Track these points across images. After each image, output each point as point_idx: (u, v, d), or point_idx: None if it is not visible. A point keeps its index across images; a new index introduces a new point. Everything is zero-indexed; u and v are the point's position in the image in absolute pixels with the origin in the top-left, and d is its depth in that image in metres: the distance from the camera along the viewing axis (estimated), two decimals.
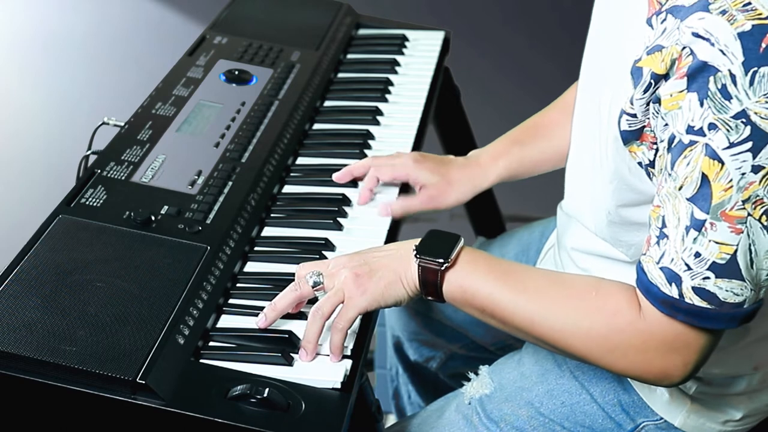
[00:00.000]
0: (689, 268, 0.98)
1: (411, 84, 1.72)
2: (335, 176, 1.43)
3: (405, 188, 1.45)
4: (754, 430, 1.29)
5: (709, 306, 0.99)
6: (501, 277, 1.10)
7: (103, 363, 1.01)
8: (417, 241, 1.13)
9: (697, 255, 0.97)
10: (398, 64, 1.77)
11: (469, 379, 1.34)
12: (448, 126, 1.90)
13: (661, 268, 1.00)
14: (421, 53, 1.82)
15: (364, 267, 1.12)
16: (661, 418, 1.24)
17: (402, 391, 1.82)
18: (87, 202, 1.25)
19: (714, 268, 0.97)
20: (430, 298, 1.13)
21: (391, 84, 1.71)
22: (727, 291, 0.98)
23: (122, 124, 1.45)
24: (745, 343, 1.21)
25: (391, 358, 1.81)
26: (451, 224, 2.74)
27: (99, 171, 1.32)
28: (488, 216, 2.00)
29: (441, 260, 1.10)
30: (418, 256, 1.11)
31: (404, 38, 1.85)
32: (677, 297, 0.99)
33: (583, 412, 1.26)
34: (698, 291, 0.98)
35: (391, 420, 1.89)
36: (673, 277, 0.99)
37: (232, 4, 1.86)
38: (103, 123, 1.50)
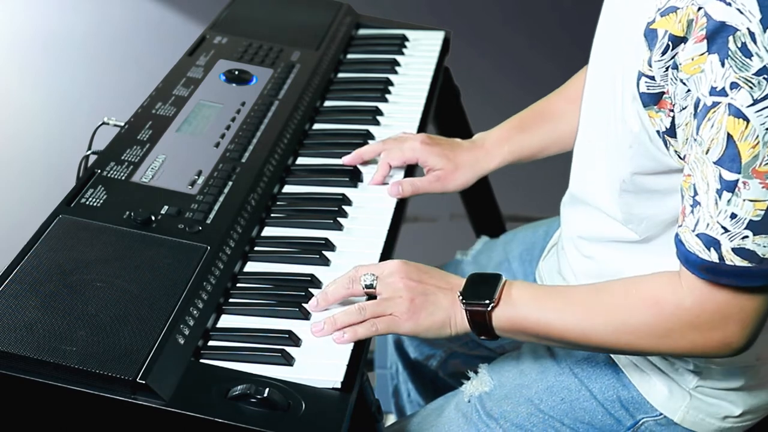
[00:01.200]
0: (726, 231, 0.99)
1: (411, 84, 1.72)
2: (345, 159, 1.46)
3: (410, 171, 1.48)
4: (753, 429, 1.30)
5: (750, 264, 1.00)
6: (545, 301, 1.15)
7: (103, 363, 1.01)
8: (462, 284, 1.17)
9: (734, 216, 0.99)
10: (398, 64, 1.77)
11: (468, 378, 1.35)
12: (448, 126, 1.90)
13: (697, 235, 1.02)
14: (421, 53, 1.82)
15: (421, 296, 1.15)
16: (661, 414, 1.24)
17: (402, 389, 1.82)
18: (87, 202, 1.25)
19: (751, 226, 0.99)
20: (483, 337, 1.17)
21: (391, 84, 1.71)
22: (765, 247, 1.00)
23: (122, 124, 1.45)
24: None
25: (391, 355, 1.81)
26: (451, 224, 2.74)
27: (99, 171, 1.32)
28: (488, 216, 2.00)
29: (486, 301, 1.14)
30: (463, 301, 1.15)
31: (404, 38, 1.85)
32: (717, 261, 1.01)
33: (583, 409, 1.26)
34: (738, 251, 1.00)
35: (391, 420, 1.88)
36: (712, 242, 1.01)
37: (232, 4, 1.86)
38: (103, 123, 1.50)
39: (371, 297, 1.17)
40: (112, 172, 1.32)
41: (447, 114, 1.89)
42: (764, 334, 1.22)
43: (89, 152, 1.45)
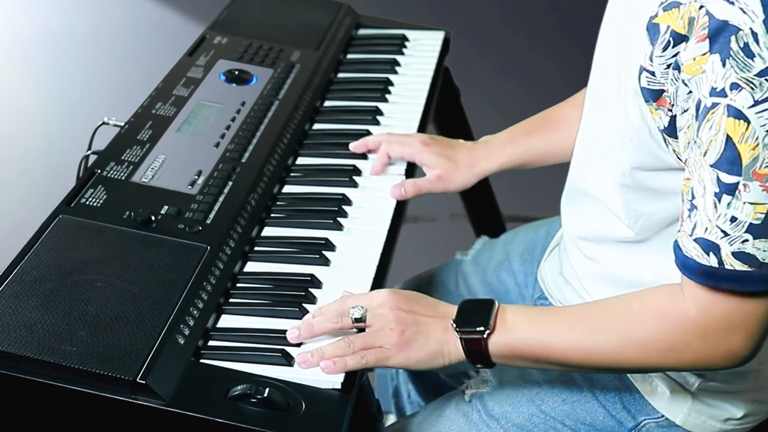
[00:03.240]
0: (726, 234, 0.98)
1: (411, 84, 1.72)
2: (351, 146, 1.48)
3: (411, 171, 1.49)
4: (755, 430, 1.30)
5: (749, 269, 0.99)
6: (543, 324, 1.12)
7: (103, 363, 1.01)
8: (454, 313, 1.13)
9: (734, 219, 0.97)
10: (398, 64, 1.77)
11: (469, 377, 1.34)
12: (448, 126, 1.90)
13: (695, 240, 1.00)
14: (421, 53, 1.82)
15: (411, 328, 1.11)
16: (663, 416, 1.24)
17: (402, 389, 1.82)
18: (87, 202, 1.25)
19: (751, 229, 0.97)
20: (479, 366, 1.14)
21: (391, 84, 1.71)
22: (765, 251, 0.98)
23: (122, 124, 1.45)
24: None
25: None
26: (451, 224, 2.74)
27: (99, 171, 1.32)
28: (488, 216, 2.00)
29: (481, 328, 1.11)
30: (458, 330, 1.11)
31: (404, 38, 1.85)
32: (717, 265, 0.99)
33: (585, 410, 1.26)
34: (738, 255, 0.98)
35: (391, 420, 1.88)
36: (711, 247, 0.99)
37: (232, 4, 1.86)
38: (103, 123, 1.50)
39: (360, 330, 1.14)
40: (112, 172, 1.32)
41: (447, 114, 1.89)
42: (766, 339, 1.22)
43: (89, 152, 1.45)
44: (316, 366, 1.09)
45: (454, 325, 1.12)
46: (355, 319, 1.12)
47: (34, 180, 2.93)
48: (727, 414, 1.24)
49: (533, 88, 3.40)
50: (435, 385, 1.72)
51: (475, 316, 1.12)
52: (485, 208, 1.99)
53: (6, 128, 3.23)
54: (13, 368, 1.02)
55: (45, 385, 1.01)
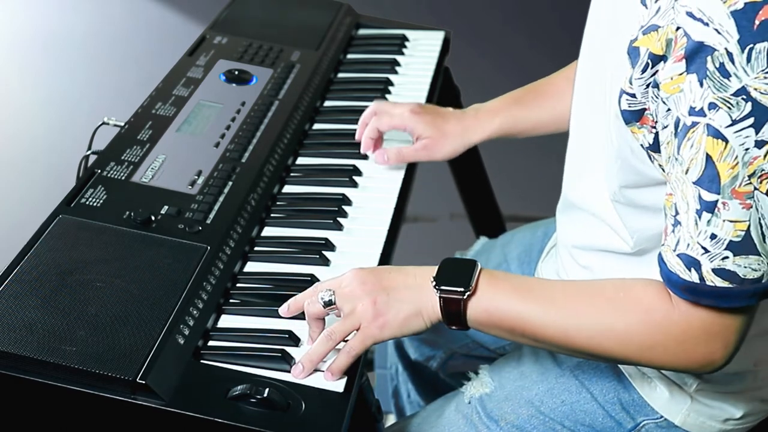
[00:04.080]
0: (707, 251, 0.98)
1: (411, 84, 1.72)
2: (362, 148, 1.48)
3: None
4: (754, 430, 1.30)
5: (730, 285, 0.99)
6: (526, 294, 1.09)
7: (103, 363, 1.01)
8: (434, 270, 1.11)
9: (713, 236, 0.97)
10: (398, 64, 1.77)
11: (469, 379, 1.34)
12: None
13: (678, 255, 1.00)
14: (421, 53, 1.82)
15: (381, 296, 1.09)
16: (662, 417, 1.24)
17: (402, 389, 1.82)
18: (87, 202, 1.25)
19: (731, 246, 0.97)
20: (453, 327, 1.11)
21: (391, 84, 1.71)
22: (745, 267, 0.98)
23: (122, 124, 1.45)
24: (746, 339, 1.21)
25: (392, 356, 1.81)
26: (451, 224, 2.74)
27: (99, 171, 1.32)
28: (488, 216, 2.00)
29: (462, 289, 1.08)
30: (437, 287, 1.09)
31: (404, 38, 1.85)
32: (698, 281, 0.99)
33: (583, 411, 1.26)
34: (719, 272, 0.99)
35: (391, 420, 1.89)
36: (692, 263, 0.99)
37: (232, 4, 1.86)
38: (103, 123, 1.51)
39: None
40: (112, 172, 1.32)
41: None
42: (761, 340, 1.22)
43: (89, 152, 1.45)
44: (310, 371, 1.08)
45: (434, 282, 1.09)
46: (325, 302, 1.10)
47: (34, 180, 2.94)
48: (726, 414, 1.24)
49: None
50: (435, 385, 1.72)
51: (456, 275, 1.09)
52: (485, 208, 1.99)
53: (6, 128, 3.23)
54: (13, 368, 1.02)
55: (45, 385, 1.01)
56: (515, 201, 2.51)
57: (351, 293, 1.10)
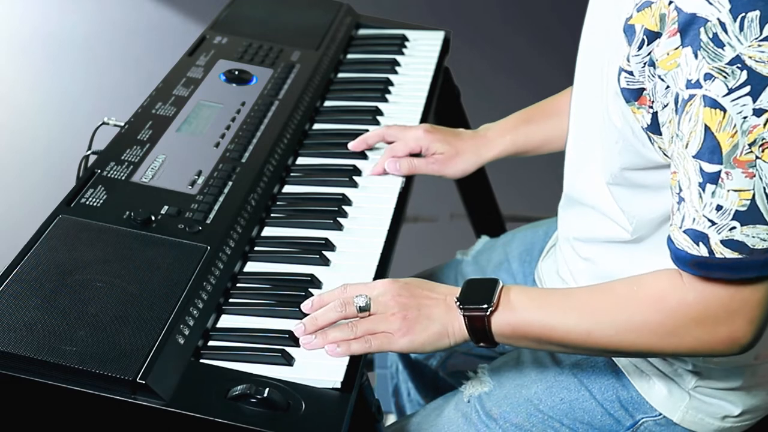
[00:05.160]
0: (713, 223, 0.99)
1: (411, 84, 1.72)
2: (351, 145, 1.48)
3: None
4: (753, 429, 1.30)
5: (740, 256, 0.99)
6: (545, 305, 1.13)
7: (103, 363, 1.01)
8: (459, 290, 1.15)
9: (719, 208, 0.98)
10: (398, 64, 1.77)
11: (468, 378, 1.35)
12: (448, 126, 1.90)
13: (684, 231, 1.01)
14: (421, 53, 1.82)
15: (413, 311, 1.13)
16: (660, 414, 1.24)
17: (402, 388, 1.82)
18: (87, 202, 1.25)
19: (738, 216, 0.98)
20: (482, 345, 1.15)
21: (391, 84, 1.71)
22: (754, 237, 0.99)
23: (122, 124, 1.45)
24: None
25: (392, 355, 1.81)
26: (451, 224, 2.74)
27: (99, 171, 1.32)
28: (488, 216, 2.00)
29: (485, 306, 1.12)
30: (461, 307, 1.13)
31: (404, 38, 1.85)
32: (707, 255, 1.00)
33: (582, 409, 1.26)
34: (727, 243, 0.99)
35: (391, 420, 1.89)
36: (699, 236, 1.00)
37: (232, 4, 1.86)
38: (103, 123, 1.51)
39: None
40: (112, 172, 1.32)
41: (447, 114, 1.89)
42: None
43: (89, 152, 1.45)
44: (320, 347, 1.11)
45: (458, 303, 1.13)
46: (360, 308, 1.13)
47: (34, 180, 2.94)
48: (725, 412, 1.24)
49: (533, 88, 3.39)
50: (435, 383, 1.72)
51: (478, 293, 1.14)
52: (485, 208, 1.99)
53: (6, 128, 3.24)
54: (13, 368, 1.02)
55: (45, 385, 1.01)
56: (515, 201, 2.51)
57: (385, 303, 1.13)
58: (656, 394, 1.24)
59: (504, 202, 2.02)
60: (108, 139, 1.41)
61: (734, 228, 0.98)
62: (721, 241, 0.99)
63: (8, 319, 1.05)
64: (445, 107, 1.87)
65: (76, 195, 1.26)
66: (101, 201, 1.26)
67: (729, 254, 0.99)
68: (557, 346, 1.14)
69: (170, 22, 3.84)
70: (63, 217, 1.22)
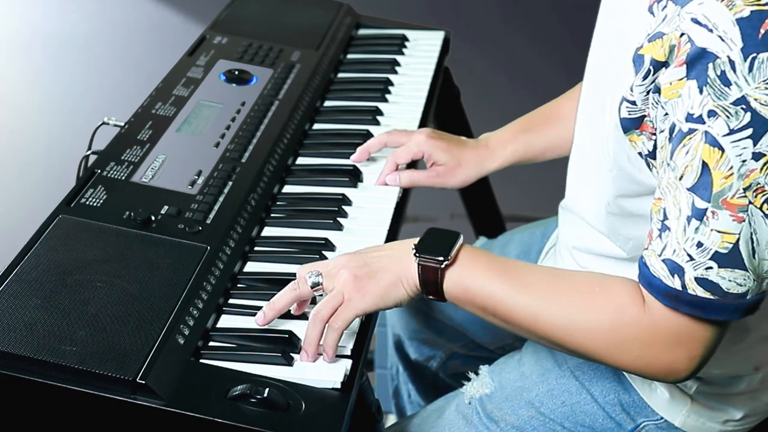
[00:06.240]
0: (691, 259, 0.97)
1: (411, 84, 1.72)
2: (353, 158, 1.46)
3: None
4: (754, 430, 1.30)
5: (712, 297, 0.98)
6: (502, 275, 1.10)
7: (103, 363, 1.01)
8: (416, 240, 1.13)
9: (700, 245, 0.97)
10: (398, 64, 1.77)
11: (469, 379, 1.34)
12: (448, 126, 1.90)
13: (663, 260, 1.00)
14: (421, 53, 1.82)
15: (363, 268, 1.11)
16: (662, 418, 1.24)
17: (402, 389, 1.82)
18: (87, 202, 1.25)
19: (716, 257, 0.97)
20: (431, 297, 1.12)
21: (391, 84, 1.71)
22: (730, 281, 0.98)
23: (122, 124, 1.45)
24: (746, 344, 1.21)
25: (392, 356, 1.81)
26: (451, 224, 2.74)
27: (99, 171, 1.32)
28: (488, 216, 2.00)
29: (441, 258, 1.09)
30: (417, 254, 1.10)
31: (404, 38, 1.85)
32: (680, 289, 0.99)
33: (584, 412, 1.26)
34: (701, 282, 0.98)
35: (391, 420, 1.89)
36: (676, 269, 0.99)
37: (232, 4, 1.86)
38: (103, 123, 1.51)
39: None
40: (112, 172, 1.32)
41: (447, 114, 1.89)
42: (762, 345, 1.22)
43: (89, 152, 1.45)
44: (315, 357, 1.10)
45: (414, 250, 1.10)
46: (313, 283, 1.12)
47: (34, 180, 2.94)
48: (726, 415, 1.24)
49: (533, 88, 3.40)
50: (435, 385, 1.72)
51: (437, 245, 1.11)
52: (485, 208, 1.99)
53: (6, 128, 3.24)
54: (13, 368, 1.02)
55: (45, 385, 1.01)
56: (515, 201, 2.51)
57: (335, 272, 1.12)
58: (658, 397, 1.23)
59: (504, 202, 2.02)
60: (108, 139, 1.41)
61: (711, 268, 0.97)
62: (696, 278, 0.98)
63: (8, 319, 1.05)
64: (445, 107, 1.88)
65: (76, 195, 1.26)
66: (101, 201, 1.26)
67: (701, 293, 0.98)
68: (500, 321, 1.10)
69: (170, 22, 3.84)
70: (63, 217, 1.21)
